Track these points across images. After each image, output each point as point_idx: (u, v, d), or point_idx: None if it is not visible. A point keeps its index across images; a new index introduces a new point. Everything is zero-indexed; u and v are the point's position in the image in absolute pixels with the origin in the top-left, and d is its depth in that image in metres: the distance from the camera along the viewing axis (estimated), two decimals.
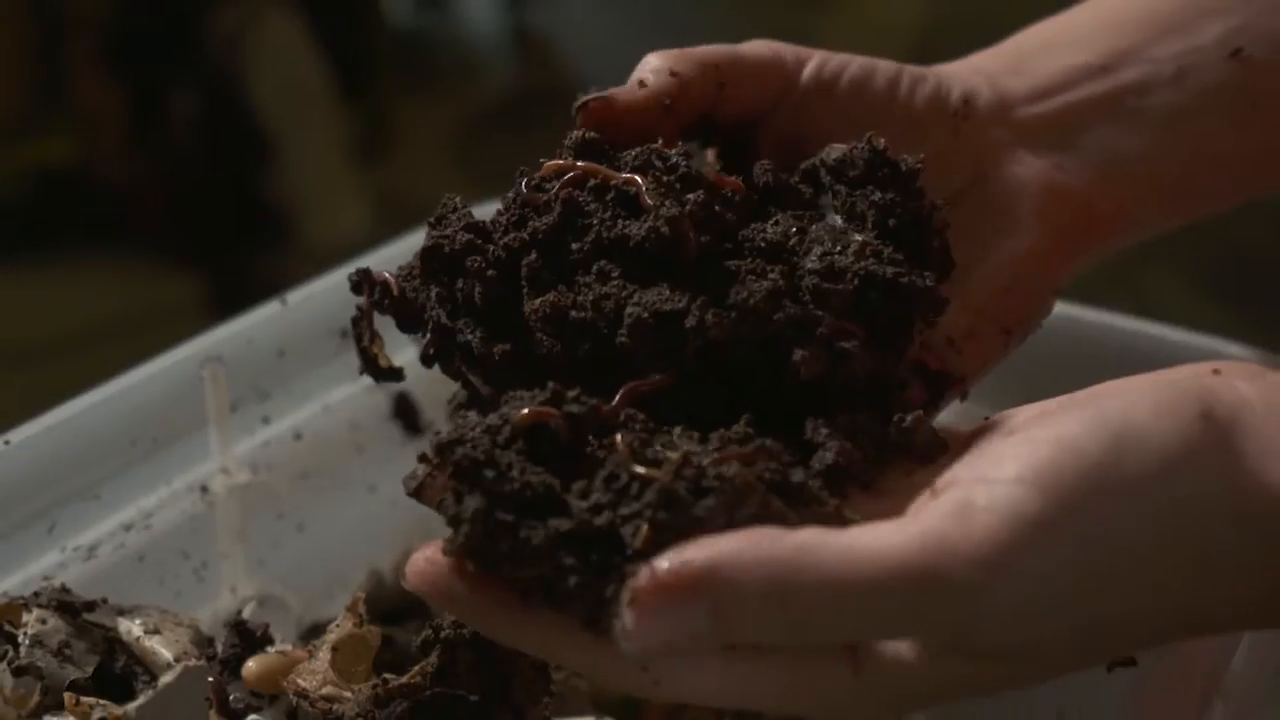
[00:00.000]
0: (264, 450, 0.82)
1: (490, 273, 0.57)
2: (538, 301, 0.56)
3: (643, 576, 0.45)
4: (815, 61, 0.65)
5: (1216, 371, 0.50)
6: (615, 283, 0.56)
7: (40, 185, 2.80)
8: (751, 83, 0.63)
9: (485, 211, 0.77)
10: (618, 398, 0.54)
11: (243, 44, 2.71)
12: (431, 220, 0.61)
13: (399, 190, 2.87)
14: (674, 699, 0.51)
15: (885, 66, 0.66)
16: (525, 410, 0.51)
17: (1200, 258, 2.70)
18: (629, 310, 0.55)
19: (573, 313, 0.56)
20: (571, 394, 0.52)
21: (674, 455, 0.49)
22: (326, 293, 0.85)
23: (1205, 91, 0.67)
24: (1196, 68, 0.67)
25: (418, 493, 0.53)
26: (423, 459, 0.53)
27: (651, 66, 0.62)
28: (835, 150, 0.61)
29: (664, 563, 0.45)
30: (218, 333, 0.80)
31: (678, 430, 0.53)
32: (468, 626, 0.60)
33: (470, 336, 0.58)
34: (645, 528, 0.47)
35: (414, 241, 0.90)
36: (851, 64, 0.65)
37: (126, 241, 2.74)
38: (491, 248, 0.58)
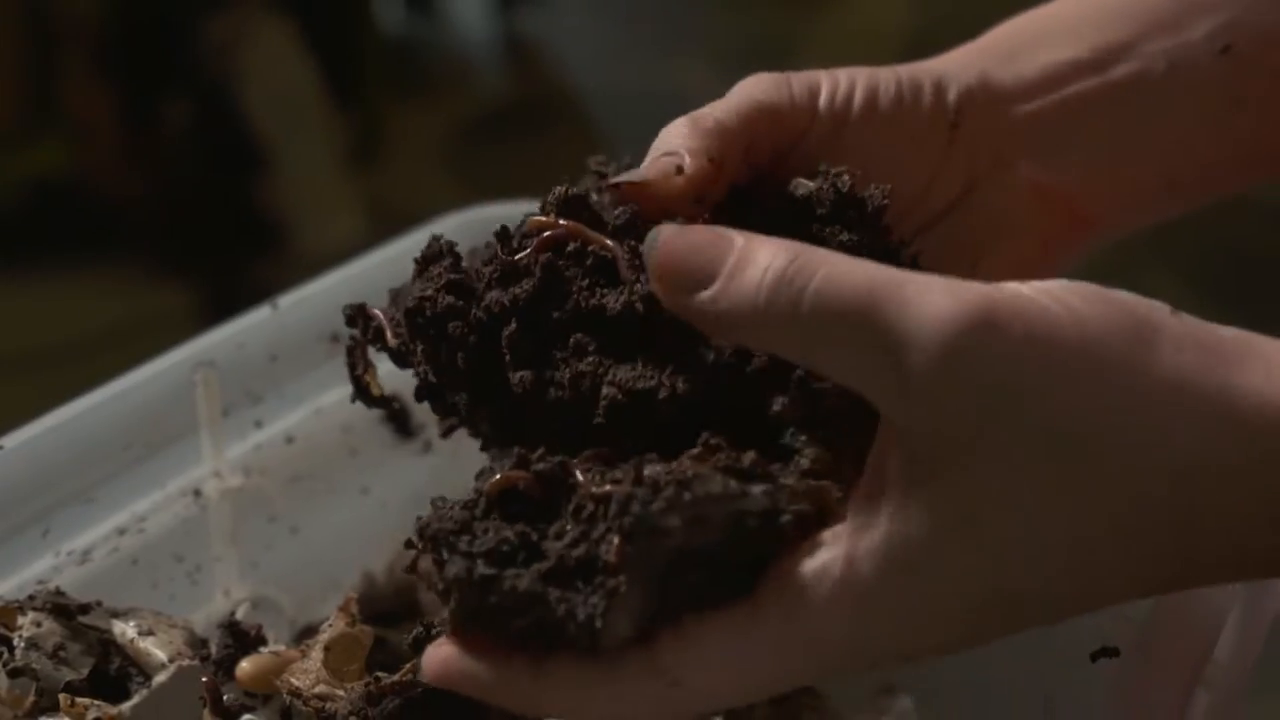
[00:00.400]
0: (256, 454, 0.83)
1: (472, 339, 0.58)
2: (517, 377, 0.57)
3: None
4: (825, 93, 0.64)
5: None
6: (591, 359, 0.56)
7: (34, 194, 2.81)
8: (773, 137, 0.62)
9: (482, 217, 0.78)
10: (584, 455, 0.54)
11: (235, 53, 2.72)
12: (418, 259, 0.61)
13: (392, 197, 2.88)
14: (699, 705, 0.51)
15: (885, 80, 0.65)
16: (495, 478, 0.52)
17: (1196, 257, 2.71)
18: (604, 391, 0.55)
19: (551, 390, 0.56)
20: (536, 455, 0.53)
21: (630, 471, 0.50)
22: (317, 297, 0.86)
23: (1193, 89, 0.67)
24: (1186, 63, 0.67)
25: (413, 572, 0.55)
26: (408, 544, 0.54)
27: (687, 147, 0.59)
28: (802, 187, 0.61)
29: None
30: (209, 337, 0.81)
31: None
32: None
33: (456, 398, 0.59)
34: (615, 540, 0.49)
35: (403, 248, 0.91)
36: (856, 85, 0.64)
37: (120, 250, 2.74)
38: (474, 311, 0.58)
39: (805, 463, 0.53)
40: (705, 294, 0.50)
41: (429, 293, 0.58)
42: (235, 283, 2.53)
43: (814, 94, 0.63)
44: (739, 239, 0.50)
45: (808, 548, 0.50)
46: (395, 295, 0.64)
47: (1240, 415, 0.47)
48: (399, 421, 0.90)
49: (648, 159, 0.60)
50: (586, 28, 3.75)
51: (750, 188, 0.62)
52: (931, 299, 0.47)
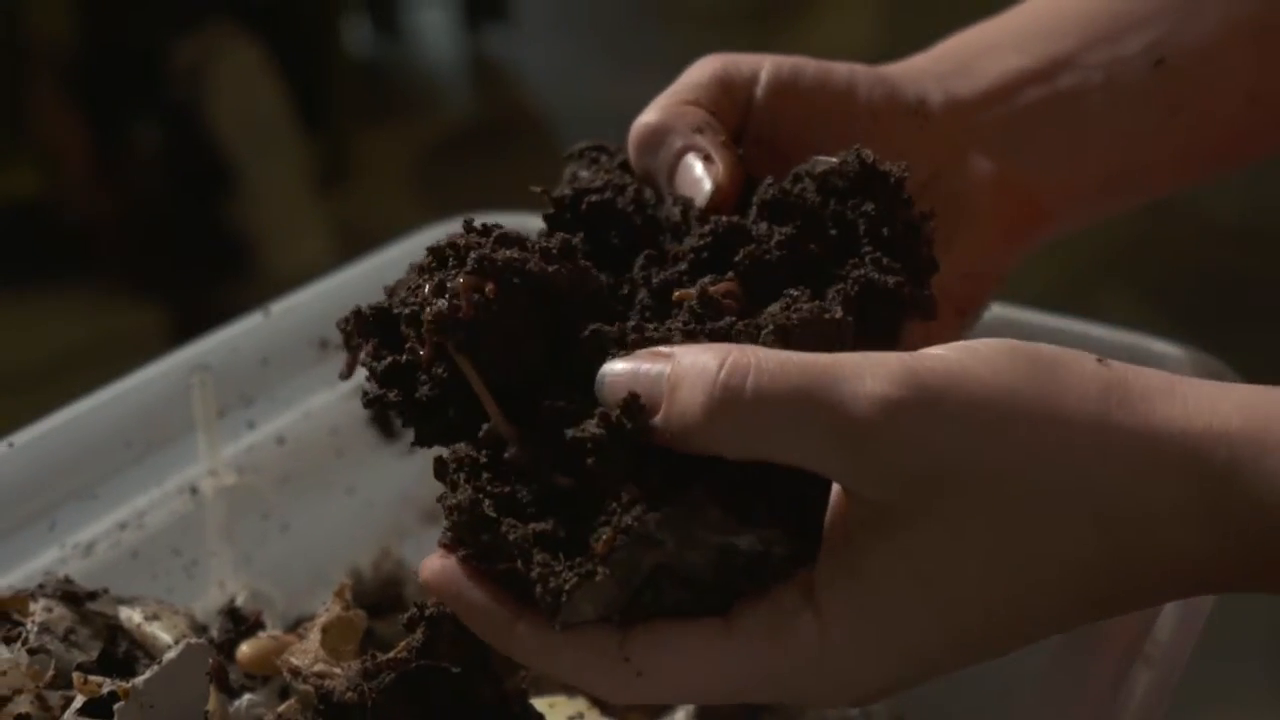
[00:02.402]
0: (249, 454, 0.86)
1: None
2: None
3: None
4: (768, 68, 0.67)
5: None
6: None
7: (2, 218, 2.82)
8: (728, 101, 0.66)
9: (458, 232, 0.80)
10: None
11: (203, 75, 2.74)
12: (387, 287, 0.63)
13: (360, 218, 2.91)
14: (656, 697, 0.55)
15: (839, 67, 0.69)
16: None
17: (1158, 278, 2.77)
18: None
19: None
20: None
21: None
22: (307, 305, 0.90)
23: (1131, 98, 0.72)
24: (1123, 75, 0.72)
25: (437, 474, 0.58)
26: (438, 461, 0.57)
27: (712, 144, 0.63)
28: (821, 163, 0.63)
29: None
30: (205, 342, 0.85)
31: None
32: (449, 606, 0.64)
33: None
34: (608, 533, 0.52)
35: (388, 258, 0.95)
36: (807, 65, 0.68)
37: (89, 271, 2.76)
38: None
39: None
40: (656, 420, 0.51)
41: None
42: (204, 304, 2.55)
43: (755, 70, 0.67)
44: (667, 359, 0.51)
45: (784, 587, 0.53)
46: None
47: (1160, 452, 0.50)
48: (383, 424, 0.94)
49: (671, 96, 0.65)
50: (553, 49, 3.79)
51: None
52: (865, 386, 0.49)
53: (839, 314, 0.57)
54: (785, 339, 0.55)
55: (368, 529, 0.92)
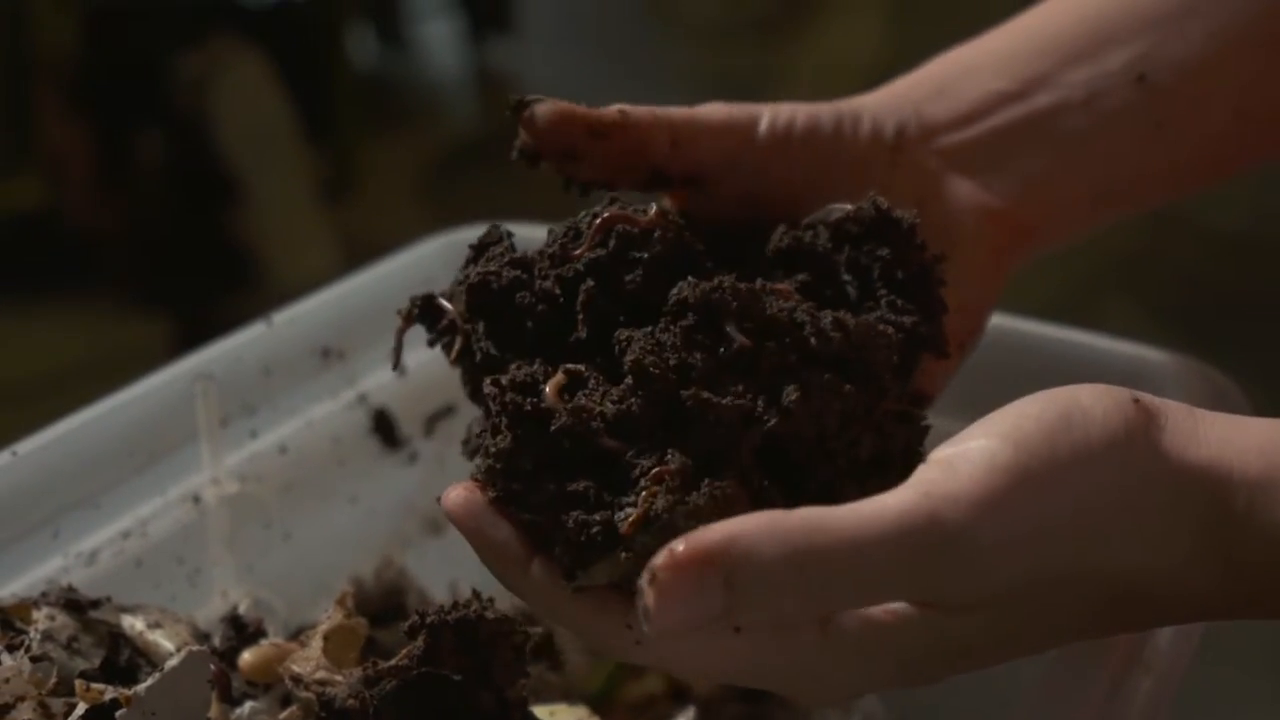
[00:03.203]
0: (251, 463, 0.87)
1: (540, 307, 0.61)
2: (630, 359, 0.57)
3: (662, 556, 0.47)
4: (767, 118, 0.68)
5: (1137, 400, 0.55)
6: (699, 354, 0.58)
7: (7, 228, 2.82)
8: (706, 142, 0.67)
9: (462, 239, 0.80)
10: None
11: (208, 87, 2.75)
12: (473, 245, 0.64)
13: (364, 230, 2.91)
14: (654, 665, 0.56)
15: (824, 111, 0.70)
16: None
17: (1159, 287, 2.77)
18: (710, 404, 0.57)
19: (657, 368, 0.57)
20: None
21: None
22: (309, 314, 0.90)
23: (1113, 115, 0.72)
24: (1105, 92, 0.72)
25: (474, 396, 0.61)
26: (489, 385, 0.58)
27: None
28: (836, 211, 0.65)
29: (680, 543, 0.47)
30: (209, 351, 0.85)
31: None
32: (451, 614, 0.65)
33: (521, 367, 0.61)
34: (634, 515, 0.53)
35: (390, 268, 0.96)
36: (797, 113, 0.69)
37: (94, 283, 2.76)
38: (539, 282, 0.61)
39: None
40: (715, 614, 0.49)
41: (493, 268, 0.62)
42: (209, 316, 2.56)
43: (754, 118, 0.68)
44: (716, 559, 0.48)
45: None
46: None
47: (1180, 503, 0.52)
48: (385, 433, 0.94)
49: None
50: (557, 60, 3.80)
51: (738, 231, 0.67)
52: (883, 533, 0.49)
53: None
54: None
55: (370, 538, 0.92)
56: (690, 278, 0.60)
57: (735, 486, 0.54)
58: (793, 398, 0.57)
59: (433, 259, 0.94)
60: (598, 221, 0.62)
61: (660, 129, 0.66)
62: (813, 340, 0.58)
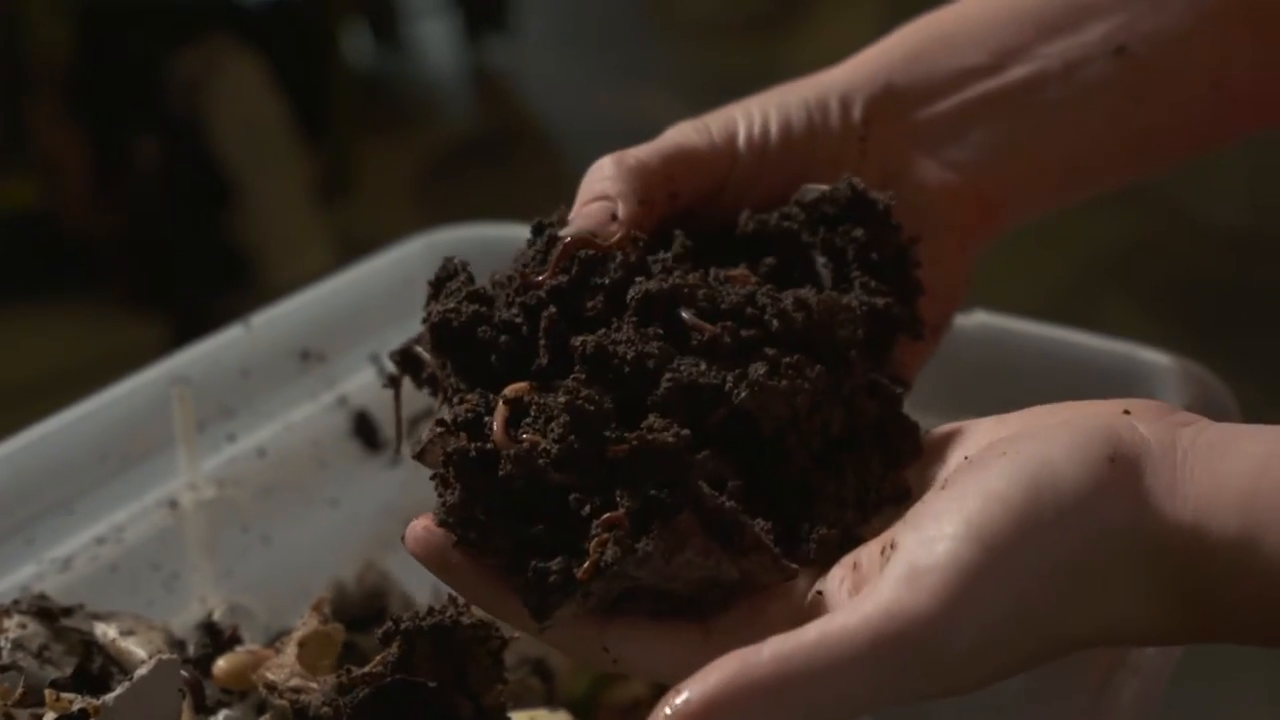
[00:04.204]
0: (230, 466, 0.86)
1: (502, 339, 0.60)
2: (579, 341, 0.58)
3: None
4: (743, 133, 0.68)
5: (1126, 412, 0.54)
6: (657, 344, 0.58)
7: (2, 231, 2.82)
8: (699, 180, 0.66)
9: (445, 239, 0.80)
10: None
11: (203, 89, 2.74)
12: (431, 281, 0.64)
13: (360, 230, 2.90)
14: (632, 675, 0.55)
15: (795, 107, 0.69)
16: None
17: (1156, 284, 2.76)
18: (668, 375, 0.58)
19: (614, 361, 0.58)
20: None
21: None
22: (287, 316, 0.89)
23: (1091, 87, 0.71)
24: (1083, 64, 0.71)
25: (420, 456, 0.59)
26: (439, 423, 0.58)
27: (618, 191, 0.63)
28: (811, 192, 0.65)
29: (665, 711, 0.49)
30: (185, 355, 0.85)
31: None
32: (426, 620, 0.64)
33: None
34: (589, 563, 0.53)
35: (369, 269, 0.95)
36: (770, 119, 0.68)
37: (90, 286, 2.76)
38: (499, 314, 0.61)
39: (812, 552, 0.58)
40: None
41: (451, 305, 0.61)
42: (204, 317, 2.55)
43: (732, 135, 0.68)
44: (746, 680, 0.50)
45: (765, 604, 0.56)
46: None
47: (1158, 563, 0.52)
48: (366, 436, 0.93)
49: (578, 201, 0.65)
50: (554, 60, 3.80)
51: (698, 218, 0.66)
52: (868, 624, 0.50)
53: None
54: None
55: (351, 541, 0.91)
56: (641, 278, 0.60)
57: (686, 519, 0.54)
58: (760, 373, 0.57)
59: (413, 260, 0.94)
60: (560, 247, 0.62)
61: (662, 187, 0.65)
62: (775, 323, 0.58)
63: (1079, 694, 0.67)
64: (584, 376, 0.58)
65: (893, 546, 0.52)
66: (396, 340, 0.89)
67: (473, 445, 0.55)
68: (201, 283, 2.73)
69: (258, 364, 0.87)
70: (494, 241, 0.89)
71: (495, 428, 0.56)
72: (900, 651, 0.49)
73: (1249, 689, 1.77)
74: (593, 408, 0.55)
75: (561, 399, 0.55)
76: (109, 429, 0.80)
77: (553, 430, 0.55)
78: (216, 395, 0.85)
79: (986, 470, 0.51)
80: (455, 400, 0.59)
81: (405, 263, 0.94)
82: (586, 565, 0.54)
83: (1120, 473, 0.51)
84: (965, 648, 0.50)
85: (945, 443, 0.60)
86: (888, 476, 0.60)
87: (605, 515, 0.54)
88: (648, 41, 3.99)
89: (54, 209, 2.83)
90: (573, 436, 0.55)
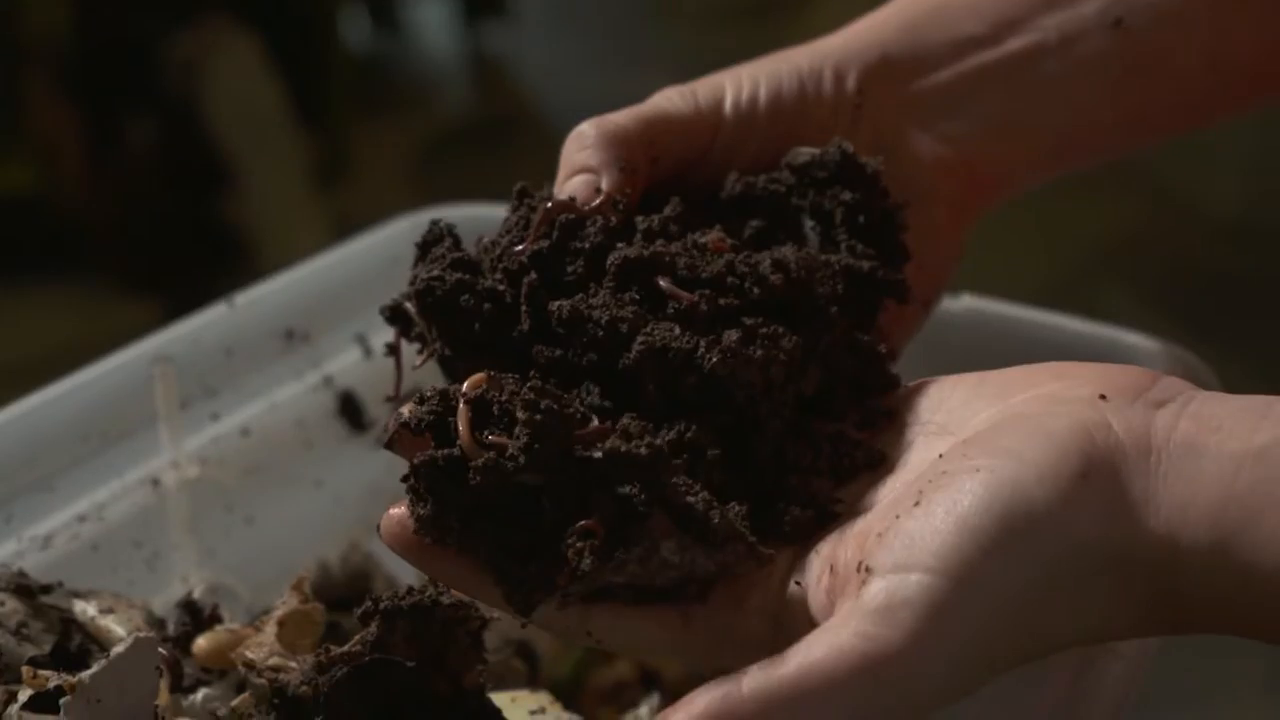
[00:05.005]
0: (213, 446, 0.86)
1: (486, 306, 0.61)
2: (556, 306, 0.59)
3: None
4: (730, 99, 0.67)
5: (1103, 397, 0.54)
6: (631, 309, 0.59)
7: None
8: (681, 145, 0.66)
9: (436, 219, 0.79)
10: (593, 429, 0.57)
11: (200, 70, 2.73)
12: (418, 244, 0.64)
13: (357, 213, 2.89)
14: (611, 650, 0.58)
15: (786, 76, 0.69)
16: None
17: (1152, 275, 2.76)
18: (640, 339, 0.58)
19: (587, 326, 0.59)
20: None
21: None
22: (272, 295, 0.89)
23: (1087, 59, 0.71)
24: (1080, 36, 0.71)
25: (389, 446, 0.59)
26: (395, 420, 0.58)
27: (600, 160, 0.64)
28: (802, 154, 0.65)
29: None
30: (167, 333, 0.84)
31: None
32: (405, 599, 0.64)
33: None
34: (565, 571, 0.54)
35: (357, 248, 0.94)
36: (759, 86, 0.68)
37: (85, 267, 2.75)
38: (482, 281, 0.61)
39: (787, 528, 0.58)
40: None
41: (436, 273, 0.61)
42: (200, 299, 2.53)
43: (718, 101, 0.67)
44: None
45: (745, 592, 0.56)
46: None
47: (1128, 571, 0.52)
48: (351, 416, 0.93)
49: (561, 173, 0.65)
50: (551, 44, 3.79)
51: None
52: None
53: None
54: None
55: (336, 522, 0.91)
56: (622, 244, 0.60)
57: (659, 520, 0.54)
58: (732, 340, 0.57)
59: (399, 240, 0.93)
60: (540, 213, 0.62)
61: (642, 153, 0.65)
62: (754, 290, 0.58)
63: (1061, 673, 0.67)
64: (542, 372, 0.59)
65: (868, 570, 0.52)
66: (381, 322, 0.89)
67: (440, 454, 0.55)
68: (197, 265, 2.72)
69: (242, 343, 0.87)
70: (484, 221, 0.88)
71: (461, 433, 0.56)
72: (877, 686, 0.50)
73: (1246, 672, 1.77)
74: (555, 408, 0.55)
75: (523, 401, 0.55)
76: (90, 406, 0.80)
77: (519, 436, 0.55)
78: (200, 374, 0.85)
79: (959, 492, 0.51)
80: (416, 398, 0.59)
81: (392, 243, 0.94)
82: (564, 573, 0.54)
83: (1094, 488, 0.51)
84: (940, 675, 0.50)
85: (922, 401, 0.60)
86: (862, 444, 0.60)
87: (580, 524, 0.54)
88: (646, 26, 3.98)
89: (49, 190, 2.82)
90: (538, 445, 0.55)
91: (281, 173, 2.83)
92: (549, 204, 0.62)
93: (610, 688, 0.89)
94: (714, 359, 0.57)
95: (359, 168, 3.17)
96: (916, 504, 0.52)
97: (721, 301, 0.59)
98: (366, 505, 0.93)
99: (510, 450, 0.55)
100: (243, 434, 0.87)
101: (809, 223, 0.65)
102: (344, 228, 2.82)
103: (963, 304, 0.86)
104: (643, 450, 0.55)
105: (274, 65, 2.80)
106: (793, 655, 0.51)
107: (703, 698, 0.51)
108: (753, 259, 0.60)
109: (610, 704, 0.87)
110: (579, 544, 0.54)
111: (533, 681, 0.83)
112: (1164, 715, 1.47)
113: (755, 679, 0.51)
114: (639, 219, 0.63)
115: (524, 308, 0.61)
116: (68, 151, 2.78)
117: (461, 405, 0.57)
